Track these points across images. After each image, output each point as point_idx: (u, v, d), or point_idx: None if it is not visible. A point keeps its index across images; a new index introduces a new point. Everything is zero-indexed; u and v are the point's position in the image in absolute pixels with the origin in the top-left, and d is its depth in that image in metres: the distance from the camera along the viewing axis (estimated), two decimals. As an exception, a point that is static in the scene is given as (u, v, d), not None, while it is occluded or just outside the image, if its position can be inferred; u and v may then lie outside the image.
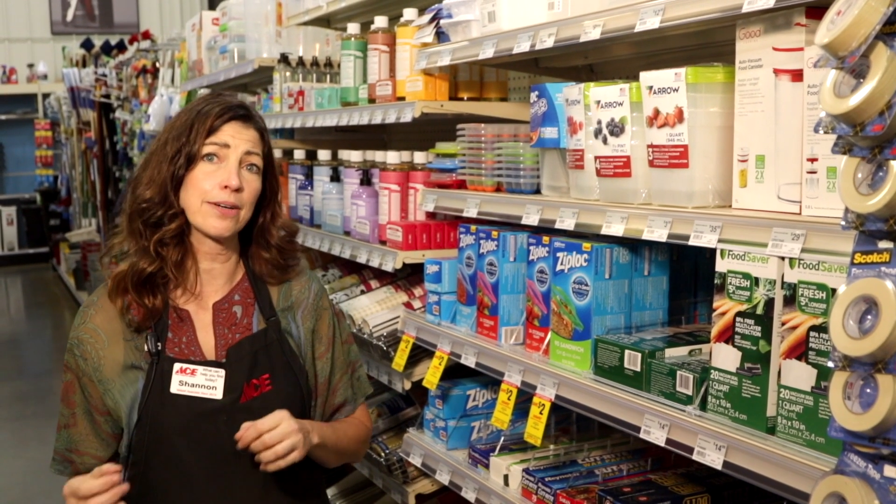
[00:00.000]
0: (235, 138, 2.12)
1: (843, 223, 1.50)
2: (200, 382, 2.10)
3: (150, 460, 2.10)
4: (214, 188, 2.09)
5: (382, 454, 3.32)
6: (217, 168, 2.10)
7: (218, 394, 2.10)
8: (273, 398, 2.10)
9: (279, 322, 2.22)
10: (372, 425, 2.47)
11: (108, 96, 10.54)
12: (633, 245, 2.36)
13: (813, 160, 1.82)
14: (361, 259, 3.38)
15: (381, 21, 3.46)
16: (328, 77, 4.41)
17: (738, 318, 1.90)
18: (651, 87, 2.13)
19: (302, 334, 2.26)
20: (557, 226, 2.41)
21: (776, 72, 1.91)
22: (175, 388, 2.09)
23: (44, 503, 5.36)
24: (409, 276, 3.59)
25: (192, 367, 2.10)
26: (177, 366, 2.10)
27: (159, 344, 2.12)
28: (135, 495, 2.07)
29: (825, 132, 1.49)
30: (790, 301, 1.79)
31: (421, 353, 3.15)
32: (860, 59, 1.43)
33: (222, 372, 2.11)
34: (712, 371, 1.95)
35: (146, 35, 10.36)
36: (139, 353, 2.13)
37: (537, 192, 2.66)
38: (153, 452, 2.10)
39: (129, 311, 2.13)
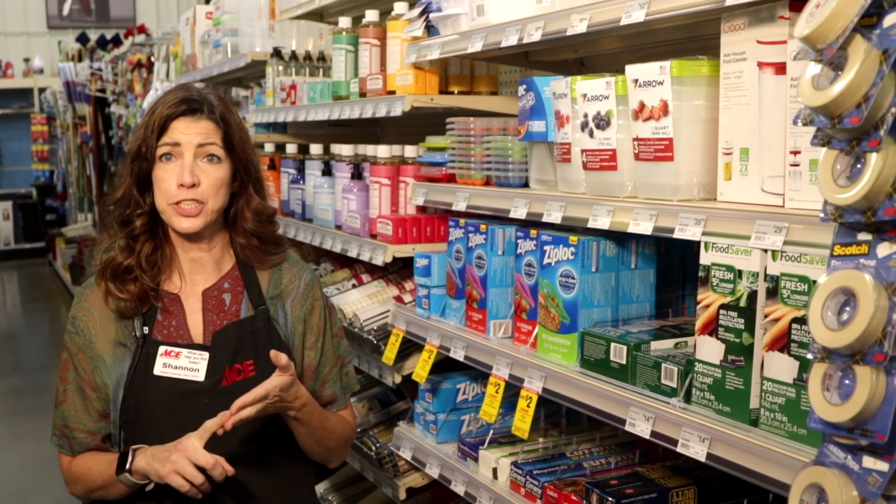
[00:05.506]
0: (185, 134, 2.15)
1: (822, 215, 1.51)
2: (184, 364, 2.16)
3: (136, 439, 2.16)
4: (173, 188, 2.14)
5: (373, 448, 3.33)
6: (174, 166, 2.15)
7: (200, 376, 2.16)
8: (256, 384, 2.11)
9: (268, 310, 2.26)
10: (356, 425, 2.49)
11: (103, 91, 10.52)
12: (620, 238, 2.37)
13: (796, 153, 1.82)
14: (352, 253, 3.38)
15: (371, 15, 3.46)
16: (321, 71, 4.41)
17: (721, 311, 1.90)
18: (636, 81, 2.13)
19: (290, 322, 2.29)
20: (545, 219, 2.41)
21: (760, 65, 1.91)
22: (158, 370, 2.16)
23: (39, 498, 5.36)
24: (401, 270, 3.59)
25: (176, 349, 2.17)
26: (162, 348, 2.17)
27: (146, 328, 2.19)
28: None
29: (804, 124, 1.49)
30: (773, 293, 1.80)
31: (411, 346, 3.15)
32: (838, 52, 1.43)
33: (206, 355, 2.17)
34: (696, 363, 1.96)
35: (141, 29, 10.35)
36: (129, 333, 2.19)
37: (526, 185, 2.66)
38: (138, 431, 2.17)
39: (112, 298, 2.19)
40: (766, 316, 1.81)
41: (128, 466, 2.08)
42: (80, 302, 2.26)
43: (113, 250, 2.21)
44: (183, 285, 2.25)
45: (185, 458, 1.99)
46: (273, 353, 2.05)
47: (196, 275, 2.26)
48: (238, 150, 2.21)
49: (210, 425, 2.00)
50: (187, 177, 2.12)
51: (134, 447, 2.11)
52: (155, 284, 2.21)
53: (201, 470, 1.98)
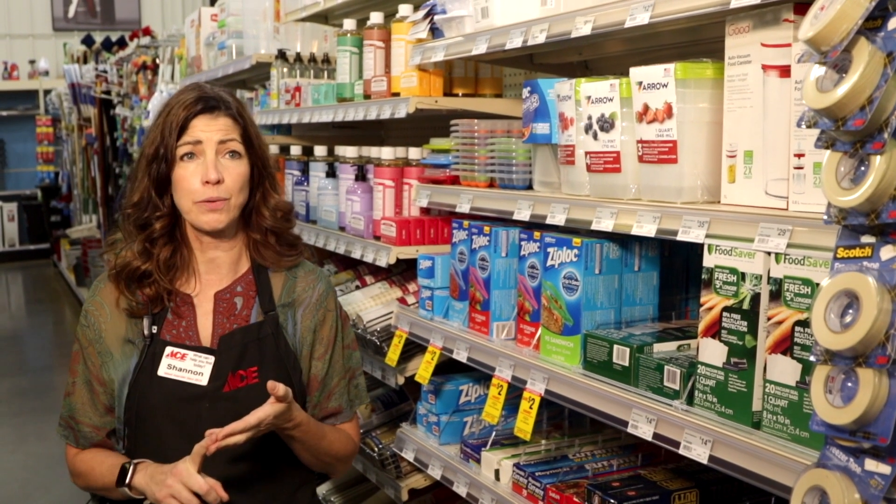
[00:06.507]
0: (206, 132, 2.14)
1: (825, 217, 1.51)
2: (188, 367, 2.16)
3: (137, 437, 2.17)
4: (198, 186, 2.13)
5: (376, 449, 3.33)
6: (196, 165, 2.14)
7: (203, 380, 2.15)
8: (258, 391, 2.11)
9: (277, 317, 2.25)
10: (359, 442, 2.45)
11: (108, 92, 10.54)
12: (624, 240, 2.37)
13: (800, 156, 1.83)
14: (356, 254, 3.38)
15: (376, 17, 3.47)
16: (325, 73, 4.42)
17: (724, 313, 1.90)
18: (641, 83, 2.13)
19: (298, 332, 2.27)
20: (548, 221, 2.41)
21: (764, 67, 1.91)
22: (163, 370, 2.16)
23: (42, 498, 5.37)
24: (404, 272, 3.60)
25: (182, 351, 2.17)
26: (168, 349, 2.17)
27: (154, 328, 2.19)
28: None
29: (808, 126, 1.50)
30: (776, 296, 1.80)
31: (414, 348, 3.16)
32: (842, 54, 1.43)
33: (212, 359, 2.17)
34: (699, 366, 1.96)
35: (146, 31, 10.37)
36: (138, 331, 2.20)
37: (529, 187, 2.66)
38: (141, 430, 2.17)
39: (124, 298, 2.20)
40: (769, 318, 1.81)
41: (127, 481, 2.08)
42: (93, 296, 2.27)
43: (128, 252, 2.19)
44: (197, 286, 2.24)
45: (179, 482, 1.97)
46: (270, 384, 2.00)
47: (211, 275, 2.25)
48: (255, 146, 2.22)
49: (199, 449, 1.98)
50: (212, 173, 2.11)
51: (136, 461, 2.11)
52: (170, 287, 2.21)
53: (197, 494, 1.97)
